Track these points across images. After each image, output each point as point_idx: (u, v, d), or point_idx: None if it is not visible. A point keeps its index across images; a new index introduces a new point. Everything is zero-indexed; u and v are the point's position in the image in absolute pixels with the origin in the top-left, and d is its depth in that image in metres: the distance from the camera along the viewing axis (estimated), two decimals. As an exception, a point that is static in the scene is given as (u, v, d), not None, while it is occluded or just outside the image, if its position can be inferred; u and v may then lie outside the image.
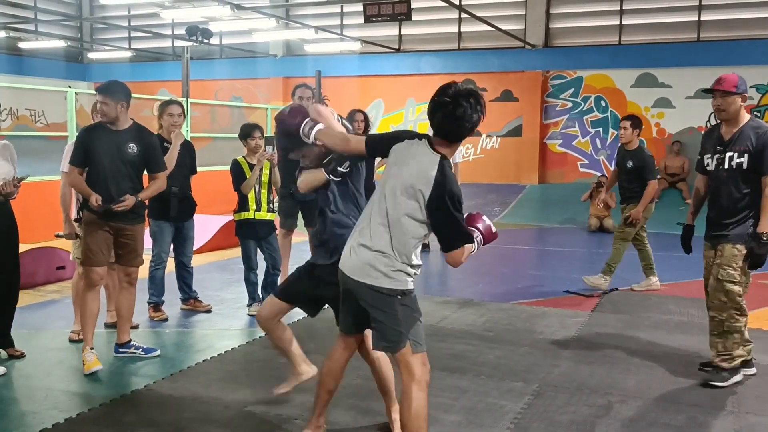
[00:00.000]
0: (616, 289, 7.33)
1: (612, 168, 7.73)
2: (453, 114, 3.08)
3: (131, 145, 4.79)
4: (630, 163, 7.14)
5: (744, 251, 4.45)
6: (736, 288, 4.50)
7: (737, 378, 4.59)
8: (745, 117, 4.57)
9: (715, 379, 4.57)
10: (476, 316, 6.30)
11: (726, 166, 4.53)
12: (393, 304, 3.18)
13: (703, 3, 14.92)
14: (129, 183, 4.80)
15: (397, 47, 17.32)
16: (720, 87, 4.52)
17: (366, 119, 7.62)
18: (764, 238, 4.35)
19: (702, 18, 14.92)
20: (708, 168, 4.71)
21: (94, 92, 5.00)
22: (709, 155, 4.68)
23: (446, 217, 3.11)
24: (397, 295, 3.17)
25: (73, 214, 5.27)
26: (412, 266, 3.20)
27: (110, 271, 5.28)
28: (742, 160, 4.45)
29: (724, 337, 4.58)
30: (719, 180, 4.61)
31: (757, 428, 3.96)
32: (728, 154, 4.52)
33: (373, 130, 8.16)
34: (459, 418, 4.02)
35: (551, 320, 6.17)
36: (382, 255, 3.15)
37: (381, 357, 3.68)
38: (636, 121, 7.28)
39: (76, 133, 5.46)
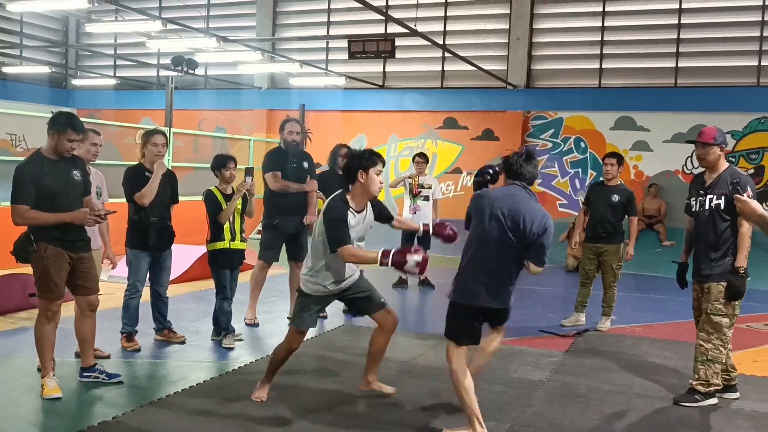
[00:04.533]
0: (588, 330, 7.37)
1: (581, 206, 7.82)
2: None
3: (75, 172, 4.84)
4: (616, 197, 7.33)
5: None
6: (724, 320, 5.01)
7: (712, 401, 5.08)
8: (724, 164, 5.18)
9: (686, 400, 5.08)
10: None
11: (707, 207, 5.10)
12: None
13: (680, 50, 15.27)
14: (81, 208, 4.83)
15: (381, 83, 17.50)
16: (701, 139, 5.15)
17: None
18: (741, 272, 4.94)
19: (679, 65, 15.27)
20: (693, 210, 5.27)
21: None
22: (694, 198, 5.28)
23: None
24: None
25: None
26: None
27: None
28: (719, 201, 5.02)
29: (706, 365, 5.05)
30: (701, 220, 5.16)
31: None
32: (708, 197, 5.10)
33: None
34: (431, 456, 4.00)
35: (526, 359, 6.18)
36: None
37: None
38: (621, 158, 7.57)
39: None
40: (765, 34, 14.66)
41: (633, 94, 15.34)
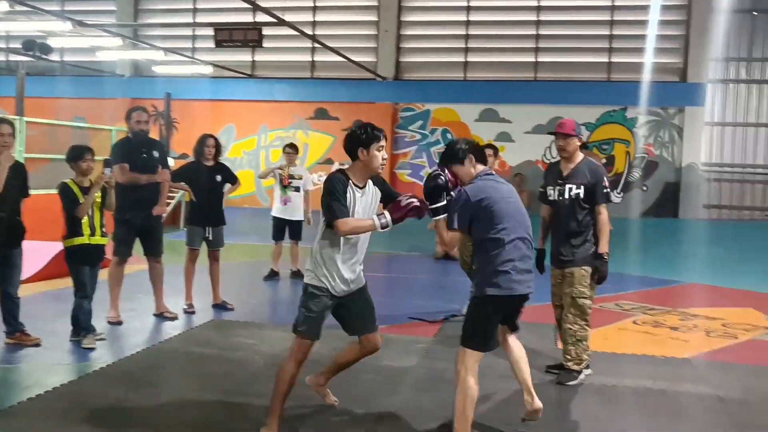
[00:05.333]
0: (456, 315, 7.60)
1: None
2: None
3: None
4: None
5: (590, 271, 5.25)
6: (588, 302, 5.31)
7: (582, 377, 5.41)
8: (580, 155, 5.40)
9: (567, 379, 5.35)
10: (321, 343, 6.28)
11: (566, 196, 5.29)
12: None
13: (539, 46, 16.04)
14: None
15: (250, 73, 17.22)
16: (561, 130, 5.34)
17: (217, 145, 7.53)
18: (605, 257, 5.21)
19: (539, 59, 16.03)
20: (550, 198, 5.45)
21: None
22: (551, 187, 5.44)
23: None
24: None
25: None
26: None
27: None
28: (578, 191, 5.23)
29: (576, 345, 5.34)
30: (560, 208, 5.36)
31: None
32: (567, 186, 5.29)
33: (224, 156, 8.06)
34: (299, 448, 4.01)
35: (395, 346, 6.29)
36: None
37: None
38: (496, 150, 7.86)
39: None
40: (614, 32, 15.67)
41: (496, 87, 15.98)
